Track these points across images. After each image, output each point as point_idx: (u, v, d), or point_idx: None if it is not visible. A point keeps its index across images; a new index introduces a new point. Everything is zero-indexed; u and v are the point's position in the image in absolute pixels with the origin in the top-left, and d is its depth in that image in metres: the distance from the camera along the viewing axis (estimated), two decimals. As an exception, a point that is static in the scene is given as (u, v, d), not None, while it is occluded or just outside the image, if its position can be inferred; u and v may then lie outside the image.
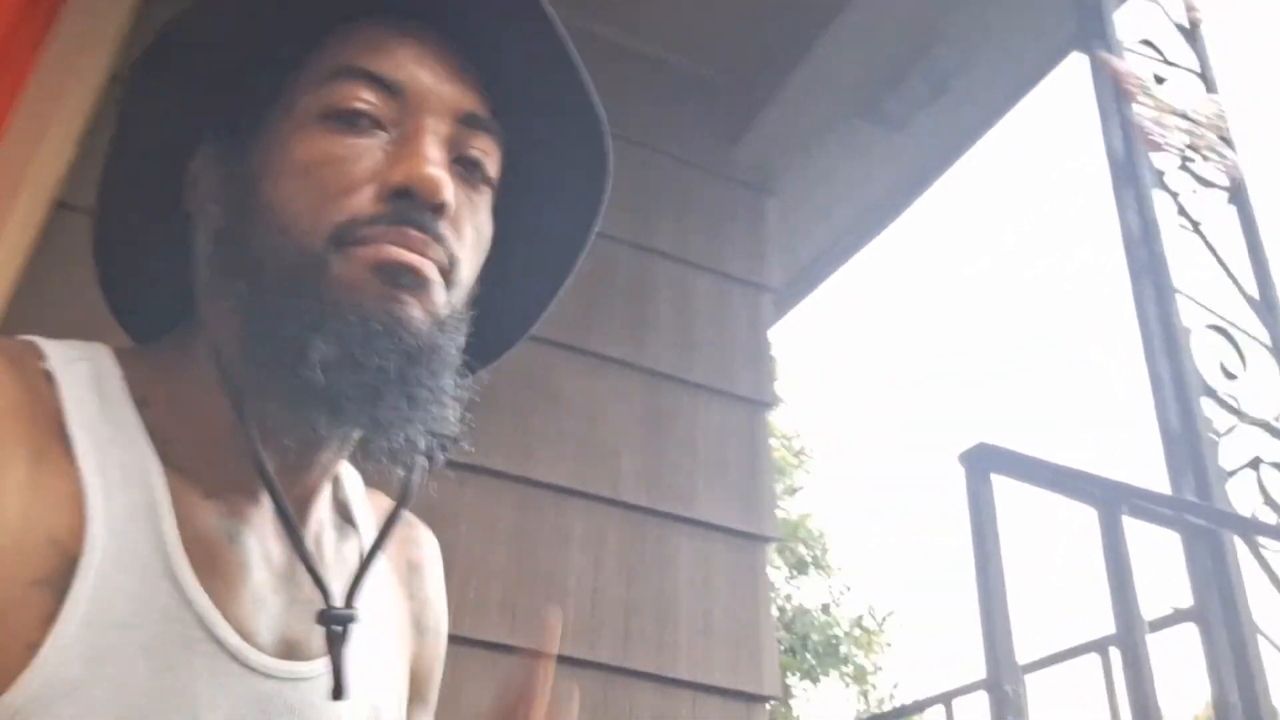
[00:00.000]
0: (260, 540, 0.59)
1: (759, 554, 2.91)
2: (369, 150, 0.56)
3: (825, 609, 10.87)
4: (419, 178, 0.54)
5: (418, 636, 0.71)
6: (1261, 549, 1.42)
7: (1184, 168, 1.74)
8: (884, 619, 10.82)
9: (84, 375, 0.57)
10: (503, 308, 0.65)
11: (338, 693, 0.56)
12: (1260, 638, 1.46)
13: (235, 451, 0.57)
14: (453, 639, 0.76)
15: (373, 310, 0.52)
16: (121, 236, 0.63)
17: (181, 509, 0.55)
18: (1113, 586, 1.21)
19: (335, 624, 0.57)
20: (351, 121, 0.56)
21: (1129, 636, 1.37)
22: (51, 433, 0.53)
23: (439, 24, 0.59)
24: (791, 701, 10.06)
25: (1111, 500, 1.15)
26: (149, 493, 0.55)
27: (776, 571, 10.47)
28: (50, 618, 0.49)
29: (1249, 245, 1.68)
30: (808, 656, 10.21)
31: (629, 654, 2.56)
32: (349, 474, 0.70)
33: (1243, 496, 1.51)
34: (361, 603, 0.60)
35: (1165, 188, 1.71)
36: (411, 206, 0.54)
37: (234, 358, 0.56)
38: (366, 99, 0.56)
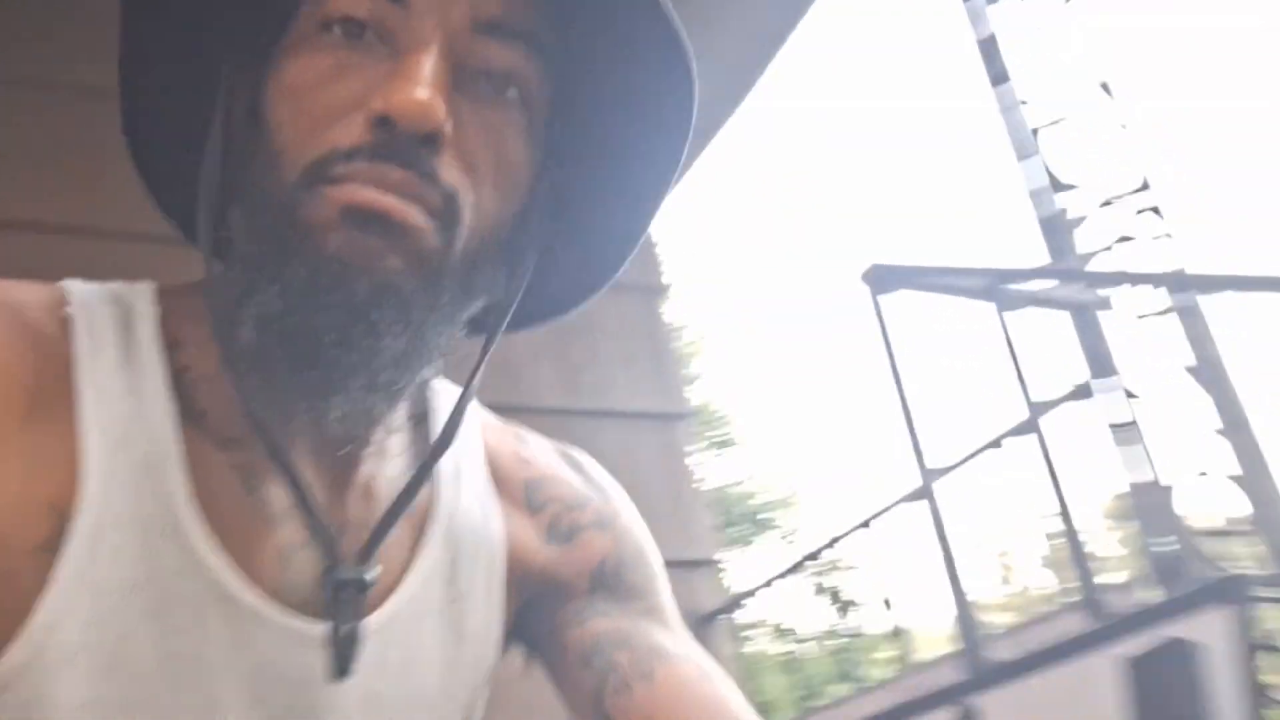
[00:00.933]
0: (283, 490, 0.53)
1: (677, 431, 3.01)
2: (362, 68, 0.49)
3: (743, 481, 11.26)
4: (401, 104, 0.46)
5: (554, 546, 0.65)
6: (1139, 316, 1.55)
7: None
8: (799, 478, 11.30)
9: (108, 320, 0.53)
10: (585, 249, 0.60)
11: (342, 669, 0.51)
12: (1149, 399, 1.60)
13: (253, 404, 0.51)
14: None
15: (328, 258, 0.46)
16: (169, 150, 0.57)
17: (195, 462, 0.52)
18: (1010, 368, 1.31)
19: (342, 589, 0.51)
20: (352, 32, 0.49)
21: (1030, 419, 1.48)
22: (55, 388, 0.50)
23: None
24: (724, 575, 10.46)
25: (997, 284, 1.24)
26: (158, 446, 0.51)
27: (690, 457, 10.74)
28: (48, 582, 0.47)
29: (1086, 41, 1.77)
30: (734, 529, 10.60)
31: (574, 549, 2.63)
32: (446, 397, 0.63)
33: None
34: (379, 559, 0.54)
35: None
36: (394, 138, 0.46)
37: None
38: (366, 6, 0.49)
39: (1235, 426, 1.29)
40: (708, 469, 11.30)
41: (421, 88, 0.46)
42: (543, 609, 0.64)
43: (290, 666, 0.52)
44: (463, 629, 0.60)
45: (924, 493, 1.53)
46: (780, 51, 3.50)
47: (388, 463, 0.58)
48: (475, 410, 0.65)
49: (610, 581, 0.65)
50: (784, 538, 10.89)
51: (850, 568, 2.53)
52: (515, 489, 0.65)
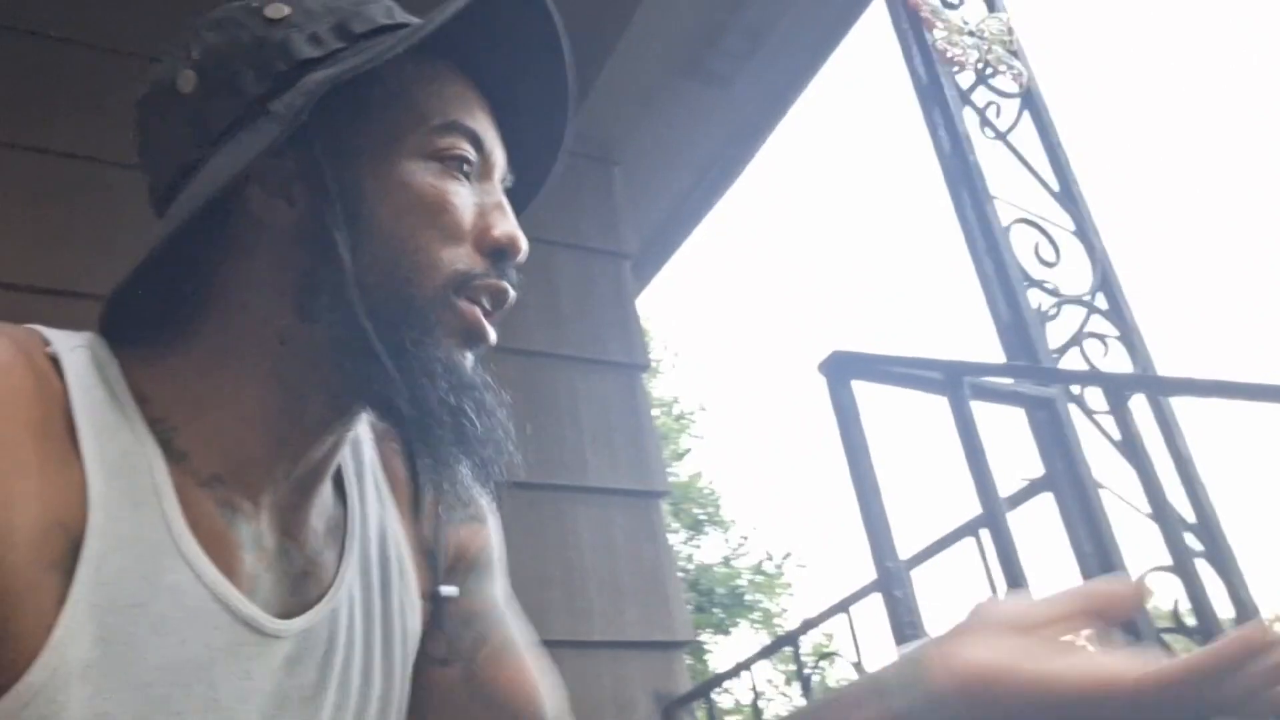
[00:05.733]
0: (252, 526, 0.63)
1: (654, 510, 3.01)
2: (469, 201, 0.65)
3: (726, 561, 11.15)
4: (514, 242, 0.65)
5: (456, 527, 0.78)
6: (1093, 413, 1.58)
7: (981, 82, 1.89)
8: (782, 560, 11.20)
9: (87, 362, 0.59)
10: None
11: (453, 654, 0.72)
12: (1105, 493, 1.62)
13: (247, 447, 0.62)
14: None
15: (455, 365, 0.62)
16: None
17: (182, 494, 0.59)
18: (969, 461, 1.32)
19: (438, 603, 0.71)
20: (458, 169, 0.64)
21: (991, 513, 1.49)
22: (57, 418, 0.56)
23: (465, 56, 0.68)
24: (706, 657, 10.30)
25: (954, 377, 1.26)
26: (151, 477, 0.58)
27: (674, 535, 10.67)
28: (62, 600, 0.52)
29: (1045, 144, 1.84)
30: (715, 611, 10.47)
31: (545, 626, 2.60)
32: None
33: (1072, 370, 1.67)
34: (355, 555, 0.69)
35: (969, 103, 1.86)
36: (505, 263, 0.65)
37: (308, 356, 0.62)
38: (470, 154, 0.65)
39: (1165, 520, 1.31)
40: (690, 548, 11.20)
41: (517, 226, 0.66)
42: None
43: (281, 659, 0.62)
44: (376, 622, 0.70)
45: (882, 585, 1.53)
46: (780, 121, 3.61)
47: (323, 494, 0.69)
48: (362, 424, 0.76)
49: (484, 567, 0.80)
50: (764, 624, 10.74)
51: (830, 654, 2.52)
52: (404, 490, 0.76)
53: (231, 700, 0.59)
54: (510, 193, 0.70)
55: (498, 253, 0.64)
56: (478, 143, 0.65)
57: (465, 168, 0.65)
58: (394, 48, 0.60)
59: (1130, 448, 1.31)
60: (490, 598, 0.79)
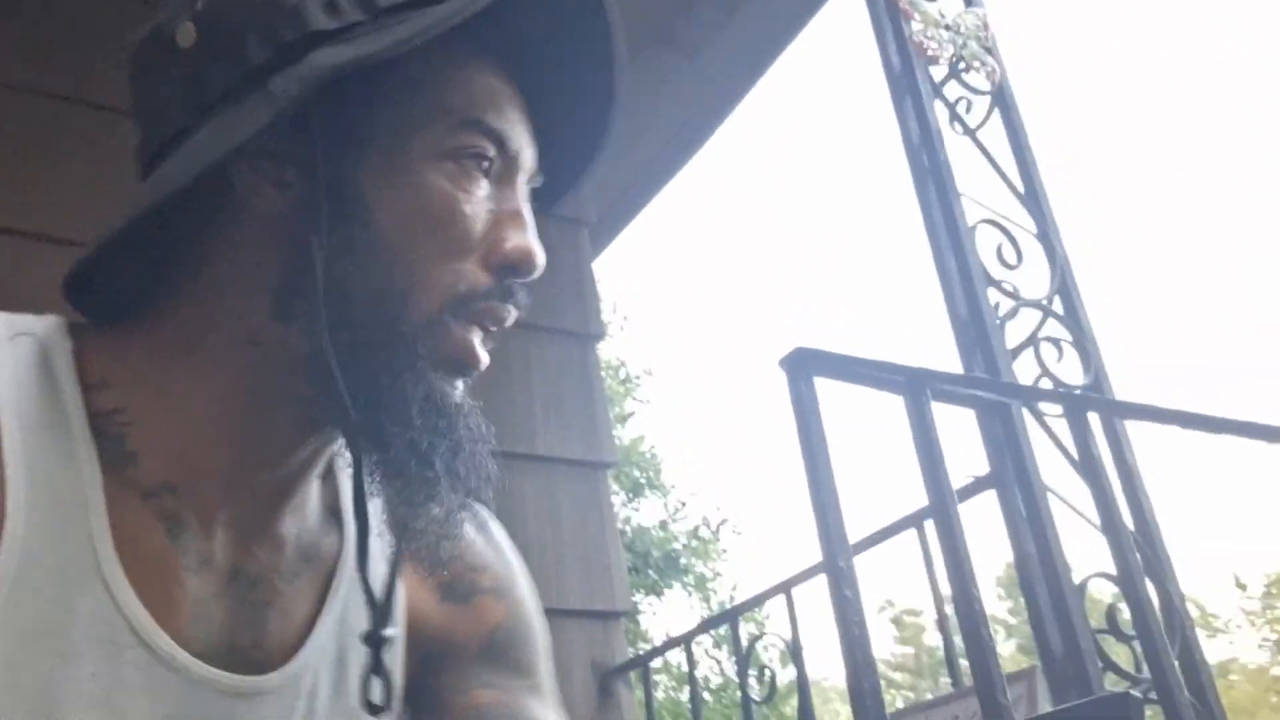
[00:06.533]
0: (199, 544, 0.57)
1: (601, 480, 3.01)
2: (483, 207, 0.58)
3: (663, 525, 11.26)
4: (527, 257, 0.58)
5: (449, 605, 0.68)
6: (1043, 416, 1.60)
7: (954, 77, 1.89)
8: (718, 527, 11.34)
9: (27, 354, 0.54)
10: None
11: (375, 709, 0.58)
12: (1050, 496, 1.65)
13: (203, 454, 0.57)
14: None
15: (434, 401, 0.56)
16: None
17: (116, 505, 0.53)
18: (924, 465, 1.34)
19: (376, 646, 0.58)
20: (475, 169, 0.58)
21: (941, 508, 1.51)
22: None
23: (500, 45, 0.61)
24: (639, 617, 10.43)
25: (917, 385, 1.27)
26: (80, 487, 0.52)
27: (614, 497, 10.72)
28: None
29: (1013, 144, 1.85)
30: (650, 573, 10.58)
31: (485, 593, 2.61)
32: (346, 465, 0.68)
33: (1025, 371, 1.69)
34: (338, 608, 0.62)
35: (941, 97, 1.86)
36: (514, 281, 0.58)
37: (282, 360, 0.57)
38: (489, 154, 0.58)
39: (1114, 529, 1.34)
40: (628, 510, 11.28)
41: (535, 240, 0.58)
42: (430, 669, 0.66)
43: (206, 713, 0.54)
44: (350, 684, 0.61)
45: (832, 585, 1.53)
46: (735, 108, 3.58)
47: (300, 514, 0.62)
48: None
49: (499, 652, 0.68)
50: (698, 589, 10.89)
51: (760, 635, 2.58)
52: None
53: None
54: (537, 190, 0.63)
55: (507, 268, 0.57)
56: (501, 143, 0.58)
57: (484, 165, 0.58)
58: (413, 39, 0.53)
59: (1086, 462, 1.34)
60: (500, 695, 0.66)
